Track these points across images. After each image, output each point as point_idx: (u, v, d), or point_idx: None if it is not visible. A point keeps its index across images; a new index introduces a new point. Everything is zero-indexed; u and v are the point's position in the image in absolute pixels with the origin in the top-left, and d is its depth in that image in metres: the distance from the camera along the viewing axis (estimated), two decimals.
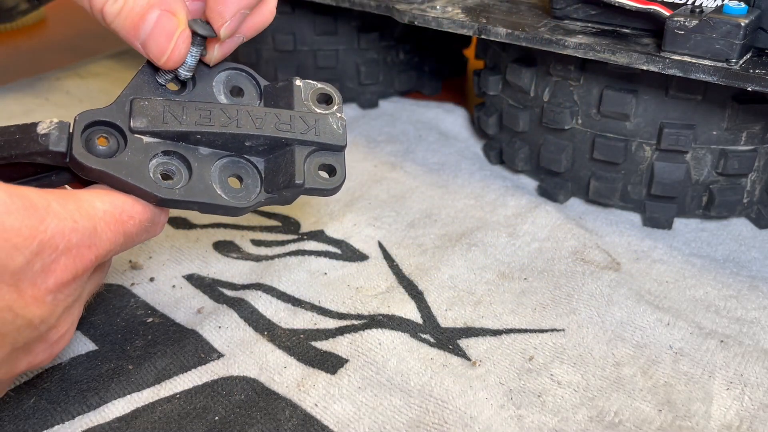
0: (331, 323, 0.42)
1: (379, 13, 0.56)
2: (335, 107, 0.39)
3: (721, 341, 0.41)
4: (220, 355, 0.40)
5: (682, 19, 0.43)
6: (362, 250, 0.49)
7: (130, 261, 0.47)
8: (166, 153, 0.34)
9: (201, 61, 0.37)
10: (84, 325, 0.42)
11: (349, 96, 0.71)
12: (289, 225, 0.52)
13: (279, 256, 0.48)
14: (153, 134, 0.34)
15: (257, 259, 0.48)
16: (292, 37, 0.68)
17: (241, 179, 0.36)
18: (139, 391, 0.37)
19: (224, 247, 0.49)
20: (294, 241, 0.50)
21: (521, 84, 0.54)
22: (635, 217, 0.53)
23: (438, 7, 0.54)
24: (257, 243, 0.50)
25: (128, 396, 0.37)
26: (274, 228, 0.52)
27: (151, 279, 0.46)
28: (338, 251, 0.49)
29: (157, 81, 0.36)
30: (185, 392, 0.37)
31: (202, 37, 0.35)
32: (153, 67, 0.36)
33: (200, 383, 0.38)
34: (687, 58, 0.43)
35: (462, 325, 0.42)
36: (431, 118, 0.68)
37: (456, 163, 0.60)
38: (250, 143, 0.36)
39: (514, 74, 0.54)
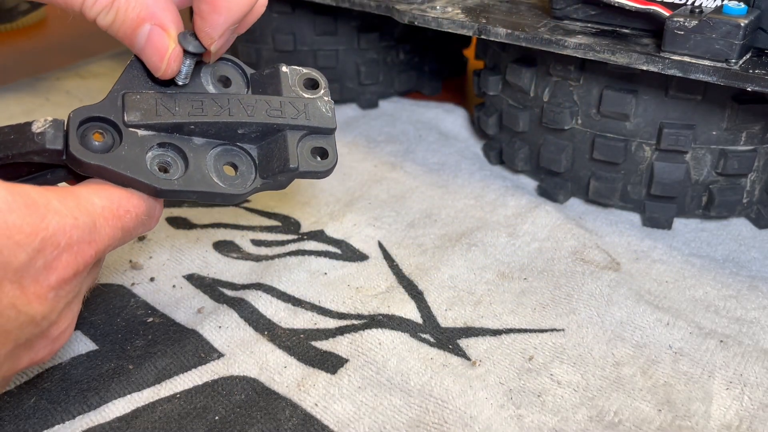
0: (331, 323, 0.42)
1: (379, 13, 0.56)
2: (322, 91, 0.39)
3: (721, 341, 0.41)
4: (220, 355, 0.40)
5: (681, 19, 0.44)
6: (362, 250, 0.49)
7: (131, 261, 0.47)
8: (161, 145, 0.34)
9: None
10: (84, 325, 0.42)
11: (349, 96, 0.71)
12: (289, 225, 0.52)
13: (279, 256, 0.48)
14: (147, 127, 0.34)
15: (257, 259, 0.48)
16: (292, 37, 0.68)
17: (236, 167, 0.37)
18: (139, 390, 0.37)
19: (224, 247, 0.49)
20: (294, 241, 0.50)
21: (521, 84, 0.54)
22: (635, 217, 0.53)
23: (438, 8, 0.54)
24: (257, 243, 0.50)
25: (128, 396, 0.37)
26: (274, 228, 0.52)
27: (152, 279, 0.46)
28: (338, 251, 0.49)
29: (147, 75, 0.36)
30: (185, 392, 0.37)
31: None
32: (142, 62, 0.36)
33: (200, 383, 0.38)
34: (687, 59, 0.43)
35: (462, 325, 0.42)
36: (431, 118, 0.68)
37: (456, 163, 0.60)
38: (243, 131, 0.36)
39: (514, 74, 0.55)
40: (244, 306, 0.43)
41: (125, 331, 0.41)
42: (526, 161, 0.57)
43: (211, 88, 0.37)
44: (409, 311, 0.43)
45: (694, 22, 0.43)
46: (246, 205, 0.54)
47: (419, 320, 0.43)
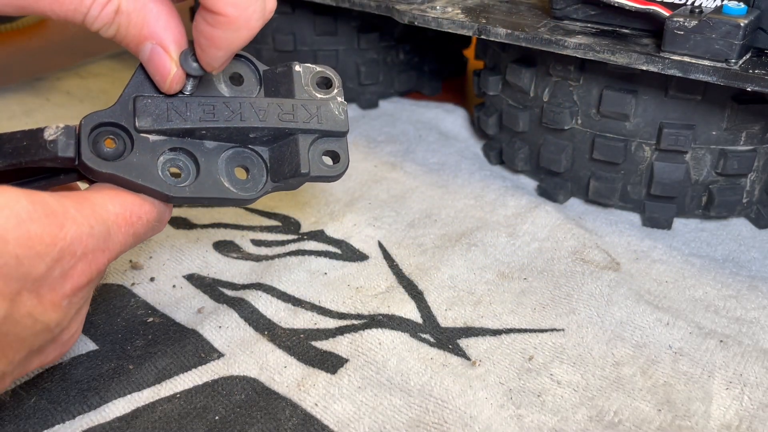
0: (331, 323, 0.42)
1: (379, 13, 0.56)
2: (335, 90, 0.39)
3: (721, 341, 0.41)
4: (220, 355, 0.40)
5: (681, 19, 0.44)
6: (362, 250, 0.49)
7: (131, 261, 0.47)
8: (172, 150, 0.34)
9: None
10: (85, 325, 0.42)
11: (349, 96, 0.71)
12: (290, 225, 0.52)
13: (279, 256, 0.48)
14: (159, 132, 0.34)
15: (257, 259, 0.48)
16: (292, 38, 0.68)
17: (247, 169, 0.37)
18: (139, 390, 0.37)
19: (224, 247, 0.49)
20: (294, 241, 0.50)
21: (521, 84, 0.54)
22: (635, 217, 0.53)
23: (438, 8, 0.54)
24: (257, 243, 0.50)
25: (129, 396, 0.37)
26: (275, 228, 0.52)
27: (152, 279, 0.46)
28: (338, 251, 0.49)
29: None
30: (185, 392, 0.38)
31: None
32: None
33: (200, 383, 0.38)
34: (686, 59, 0.43)
35: (462, 324, 0.42)
36: (431, 118, 0.68)
37: (456, 163, 0.60)
38: (255, 135, 0.36)
39: (513, 74, 0.55)
40: (244, 306, 0.43)
41: (125, 331, 0.41)
42: (526, 161, 0.57)
43: (222, 87, 0.37)
44: (409, 311, 0.43)
45: (694, 22, 0.43)
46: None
47: (419, 320, 0.43)
